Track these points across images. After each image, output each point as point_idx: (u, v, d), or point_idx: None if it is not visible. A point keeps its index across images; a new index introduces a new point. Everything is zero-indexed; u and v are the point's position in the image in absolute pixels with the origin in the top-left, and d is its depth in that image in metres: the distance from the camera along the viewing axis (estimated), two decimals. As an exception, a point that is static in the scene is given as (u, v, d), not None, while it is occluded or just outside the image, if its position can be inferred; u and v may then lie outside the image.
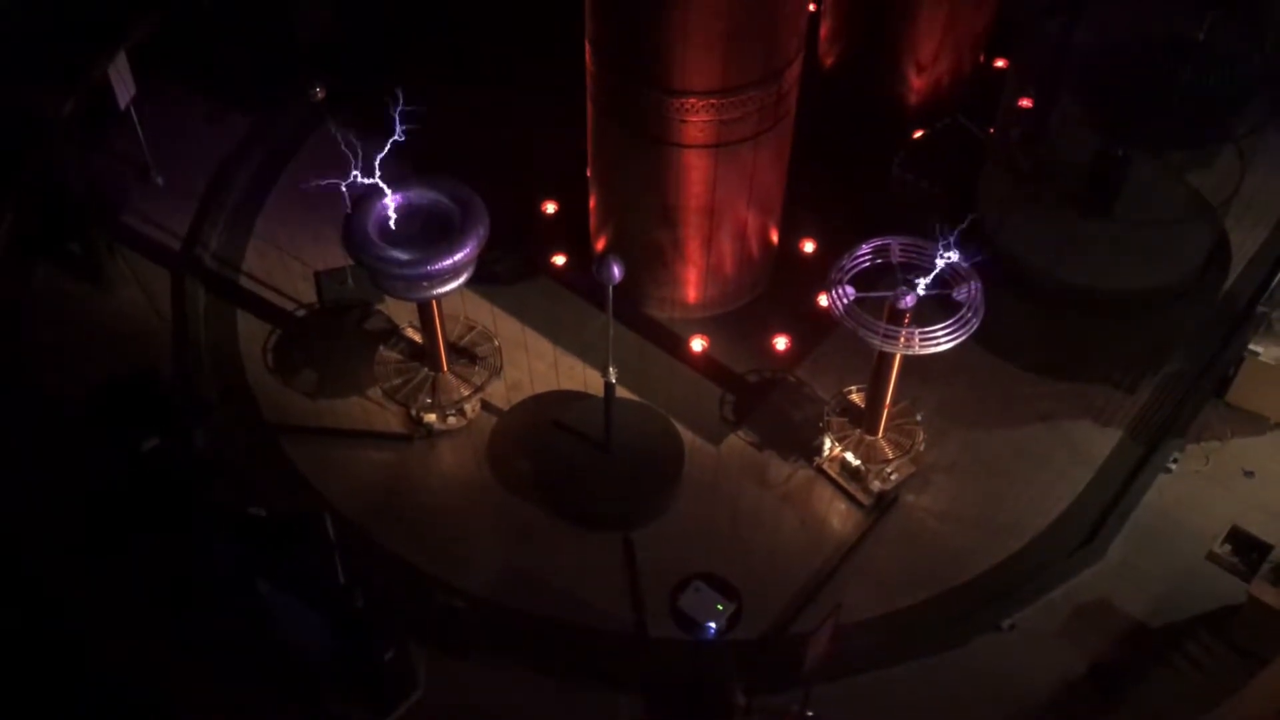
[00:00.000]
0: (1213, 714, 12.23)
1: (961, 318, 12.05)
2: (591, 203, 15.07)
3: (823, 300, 13.02)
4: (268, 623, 11.93)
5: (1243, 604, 12.54)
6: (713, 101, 12.84)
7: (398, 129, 12.08)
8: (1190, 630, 12.83)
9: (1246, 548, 13.24)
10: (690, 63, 12.55)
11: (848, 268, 12.38)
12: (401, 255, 12.36)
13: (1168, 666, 12.63)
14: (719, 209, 14.04)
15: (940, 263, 11.80)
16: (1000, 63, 17.52)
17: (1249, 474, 14.00)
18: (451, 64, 17.79)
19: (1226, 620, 12.74)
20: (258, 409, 14.48)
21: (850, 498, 13.87)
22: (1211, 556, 13.32)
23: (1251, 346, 14.04)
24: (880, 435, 13.81)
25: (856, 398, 14.11)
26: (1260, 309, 14.29)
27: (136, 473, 12.87)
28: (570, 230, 15.79)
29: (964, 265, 11.97)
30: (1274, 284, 14.60)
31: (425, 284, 12.59)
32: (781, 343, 15.08)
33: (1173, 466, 14.04)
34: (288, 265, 15.75)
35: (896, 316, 12.10)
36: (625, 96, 13.23)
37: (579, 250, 15.64)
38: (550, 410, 14.32)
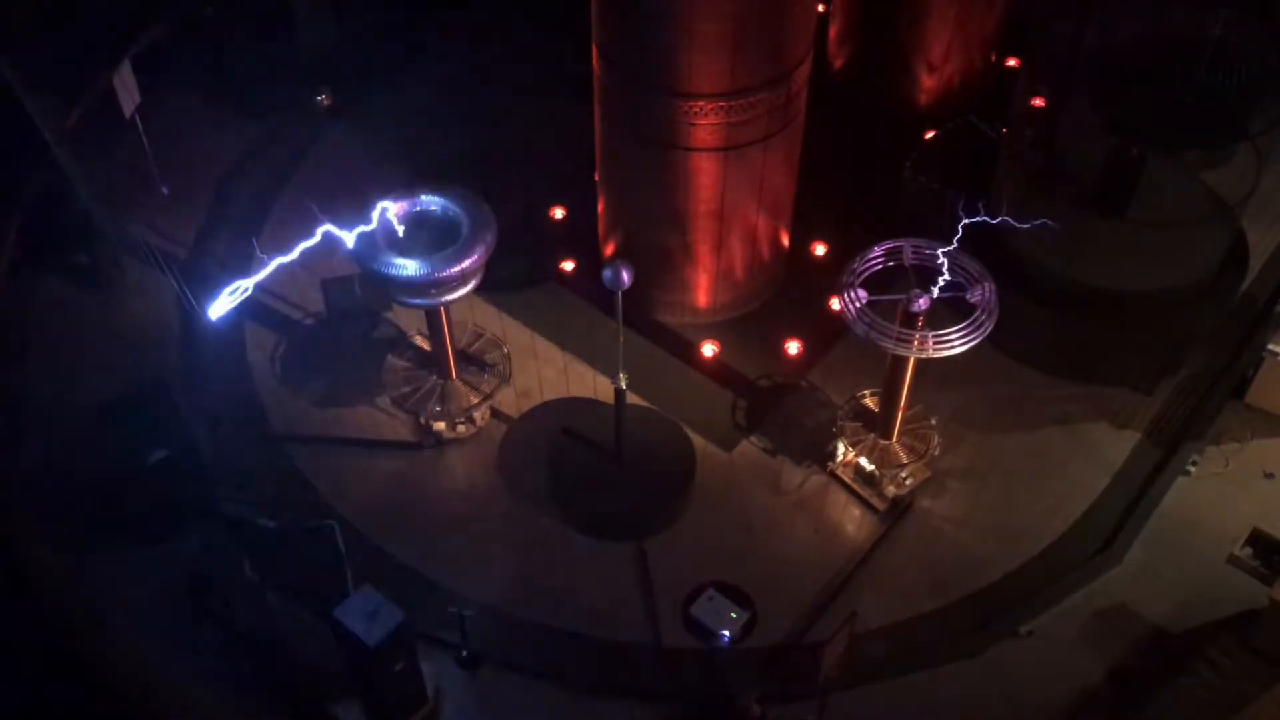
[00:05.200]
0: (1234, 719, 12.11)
1: (975, 320, 11.92)
2: (600, 208, 14.97)
3: (835, 304, 12.90)
4: (276, 634, 11.85)
5: (1264, 607, 12.37)
6: (721, 104, 12.73)
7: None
8: (1211, 635, 12.66)
9: (1267, 550, 13.10)
10: (698, 65, 12.45)
11: (860, 270, 12.26)
12: (409, 263, 12.25)
13: (1188, 672, 12.45)
14: (729, 212, 13.92)
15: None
16: (1012, 62, 17.38)
17: (1269, 476, 13.84)
18: (457, 69, 17.74)
19: (1248, 624, 12.57)
20: (266, 418, 14.39)
21: (865, 503, 13.74)
22: (1232, 559, 13.17)
23: (1270, 347, 13.90)
24: (894, 440, 13.67)
25: (870, 402, 13.98)
26: (1279, 308, 14.13)
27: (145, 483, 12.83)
28: (579, 236, 15.69)
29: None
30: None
31: (433, 291, 12.50)
32: (794, 347, 14.95)
33: (1192, 469, 13.88)
34: (295, 274, 15.62)
35: (910, 319, 11.97)
36: (633, 100, 13.13)
37: (588, 256, 15.53)
38: (560, 417, 14.21)
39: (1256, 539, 13.19)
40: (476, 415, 14.25)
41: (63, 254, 15.41)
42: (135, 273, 15.52)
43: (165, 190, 16.33)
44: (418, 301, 12.80)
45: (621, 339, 12.22)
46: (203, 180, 16.55)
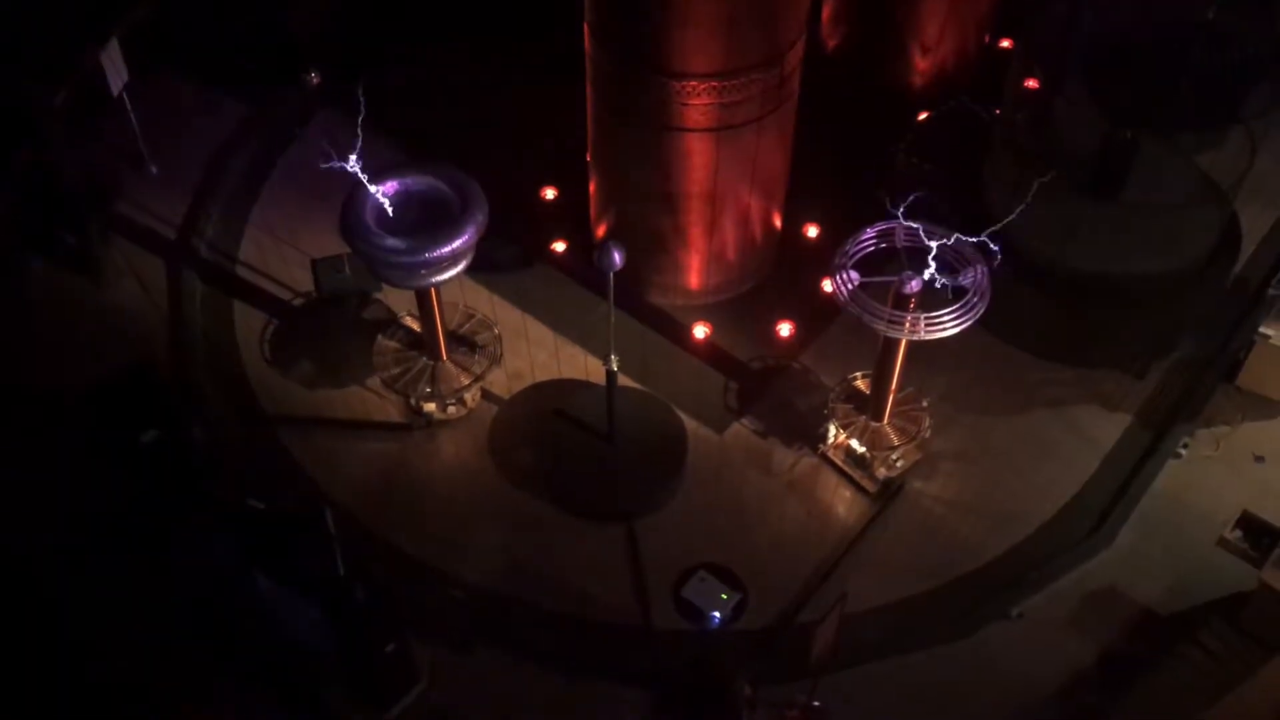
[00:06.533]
0: (1223, 702, 12.12)
1: (968, 303, 11.90)
2: (591, 188, 14.90)
3: (827, 285, 12.88)
4: (267, 617, 11.82)
5: (1254, 590, 12.40)
6: (714, 84, 12.66)
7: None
8: (1201, 618, 12.70)
9: (1257, 533, 13.12)
10: (691, 45, 12.37)
11: (852, 252, 12.22)
12: (399, 243, 12.19)
13: (1178, 654, 12.49)
14: (721, 194, 13.87)
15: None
16: (1006, 43, 17.32)
17: (1259, 459, 13.87)
18: (448, 48, 17.62)
19: (1237, 607, 12.60)
20: (255, 400, 14.33)
21: (856, 485, 13.73)
22: (1222, 542, 13.20)
23: (1262, 330, 13.89)
24: (886, 421, 13.66)
25: (861, 384, 13.96)
26: (1271, 292, 14.14)
27: (135, 465, 12.77)
28: (570, 216, 15.63)
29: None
30: (1285, 266, 14.45)
31: (423, 271, 12.43)
32: (785, 329, 14.93)
33: (1182, 452, 13.89)
34: (284, 254, 15.59)
35: (902, 301, 11.95)
36: (625, 80, 13.05)
37: (579, 237, 15.48)
38: (551, 399, 14.18)
39: (1246, 522, 13.22)
40: (467, 397, 14.21)
41: (49, 234, 15.30)
42: (123, 253, 15.43)
43: (154, 169, 16.22)
44: (408, 282, 12.74)
45: (613, 321, 12.18)
46: (192, 160, 16.42)
